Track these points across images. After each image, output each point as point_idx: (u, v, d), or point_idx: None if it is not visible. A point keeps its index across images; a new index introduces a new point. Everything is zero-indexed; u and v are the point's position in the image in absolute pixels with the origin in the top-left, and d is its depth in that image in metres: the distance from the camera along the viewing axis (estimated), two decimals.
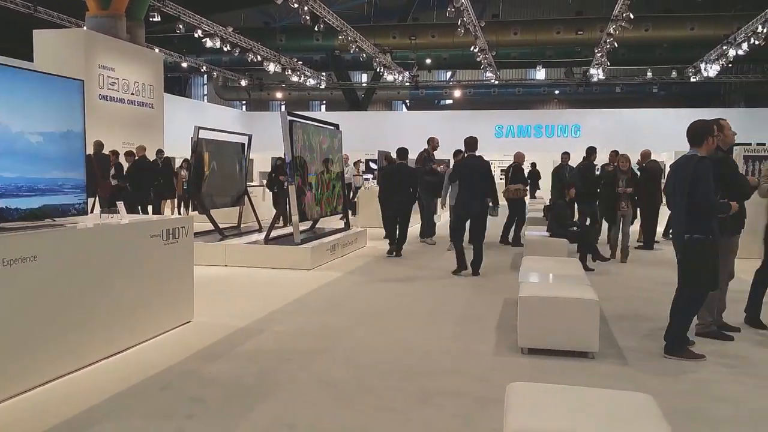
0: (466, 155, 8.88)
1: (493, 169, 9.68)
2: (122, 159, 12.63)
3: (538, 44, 24.69)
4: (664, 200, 7.82)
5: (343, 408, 3.90)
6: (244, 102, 37.42)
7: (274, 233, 9.88)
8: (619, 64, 26.48)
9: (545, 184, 15.14)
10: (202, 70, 28.13)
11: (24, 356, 3.98)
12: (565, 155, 11.73)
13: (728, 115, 9.16)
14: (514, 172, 12.07)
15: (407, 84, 28.27)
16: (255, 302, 6.81)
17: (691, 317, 5.00)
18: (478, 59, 23.36)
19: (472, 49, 22.04)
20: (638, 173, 10.67)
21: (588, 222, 10.31)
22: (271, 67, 24.39)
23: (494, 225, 10.60)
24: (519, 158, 12.22)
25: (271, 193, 14.33)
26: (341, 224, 11.79)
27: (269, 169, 16.13)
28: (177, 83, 33.56)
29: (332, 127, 11.39)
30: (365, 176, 19.60)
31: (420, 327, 5.89)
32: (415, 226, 12.11)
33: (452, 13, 18.01)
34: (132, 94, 15.09)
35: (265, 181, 15.50)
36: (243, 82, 29.79)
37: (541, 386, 2.97)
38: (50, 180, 4.38)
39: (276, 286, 7.83)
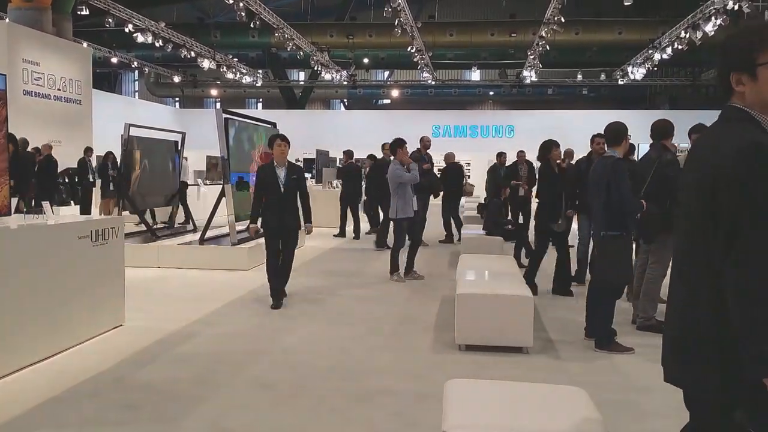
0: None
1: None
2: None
3: (473, 46, 25.06)
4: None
5: (282, 410, 3.85)
6: (177, 99, 36.49)
7: (209, 233, 9.67)
8: (550, 67, 27.16)
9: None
10: (134, 66, 27.25)
11: None
12: (502, 155, 11.94)
13: (654, 116, 9.52)
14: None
15: (345, 83, 28.20)
16: (189, 304, 6.65)
17: (612, 309, 5.21)
18: (415, 59, 23.55)
19: (409, 49, 22.20)
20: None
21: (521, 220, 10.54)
22: (206, 64, 23.87)
23: (433, 224, 10.71)
24: (449, 159, 12.31)
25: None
26: None
27: (204, 168, 15.76)
28: (106, 79, 32.36)
29: (270, 125, 11.24)
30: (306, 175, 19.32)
31: (359, 327, 5.89)
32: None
33: (389, 13, 18.10)
34: (59, 89, 14.52)
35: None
36: (176, 79, 29.04)
37: (479, 382, 3.04)
38: None
39: (211, 287, 7.67)
